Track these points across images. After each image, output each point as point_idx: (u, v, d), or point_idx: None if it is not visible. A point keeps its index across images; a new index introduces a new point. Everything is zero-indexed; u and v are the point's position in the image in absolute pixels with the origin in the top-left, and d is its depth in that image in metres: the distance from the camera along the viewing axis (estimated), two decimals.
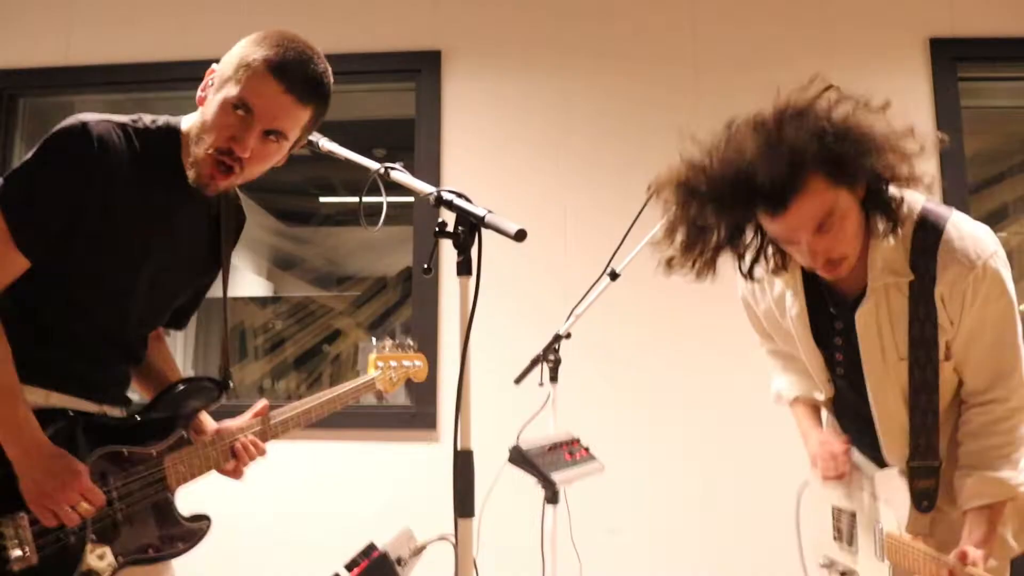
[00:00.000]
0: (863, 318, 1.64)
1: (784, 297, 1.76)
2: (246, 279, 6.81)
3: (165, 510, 1.68)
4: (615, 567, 3.22)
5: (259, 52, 1.55)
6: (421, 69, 3.65)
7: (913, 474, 1.66)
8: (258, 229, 7.13)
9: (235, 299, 6.13)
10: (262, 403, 1.86)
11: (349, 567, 2.37)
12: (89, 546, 1.51)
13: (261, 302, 6.38)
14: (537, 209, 3.50)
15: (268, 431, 1.84)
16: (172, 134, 1.63)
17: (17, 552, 1.40)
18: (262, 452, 1.81)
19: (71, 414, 1.54)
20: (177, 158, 1.62)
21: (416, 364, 2.29)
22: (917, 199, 1.62)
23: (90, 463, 1.52)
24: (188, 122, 1.64)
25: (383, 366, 2.20)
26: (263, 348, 5.97)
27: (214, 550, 3.28)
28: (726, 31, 3.56)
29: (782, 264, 1.66)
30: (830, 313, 1.71)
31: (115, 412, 1.68)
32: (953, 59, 3.44)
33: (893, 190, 1.53)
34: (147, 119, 1.63)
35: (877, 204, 1.53)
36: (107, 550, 1.54)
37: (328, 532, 3.32)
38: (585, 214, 3.47)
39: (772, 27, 3.56)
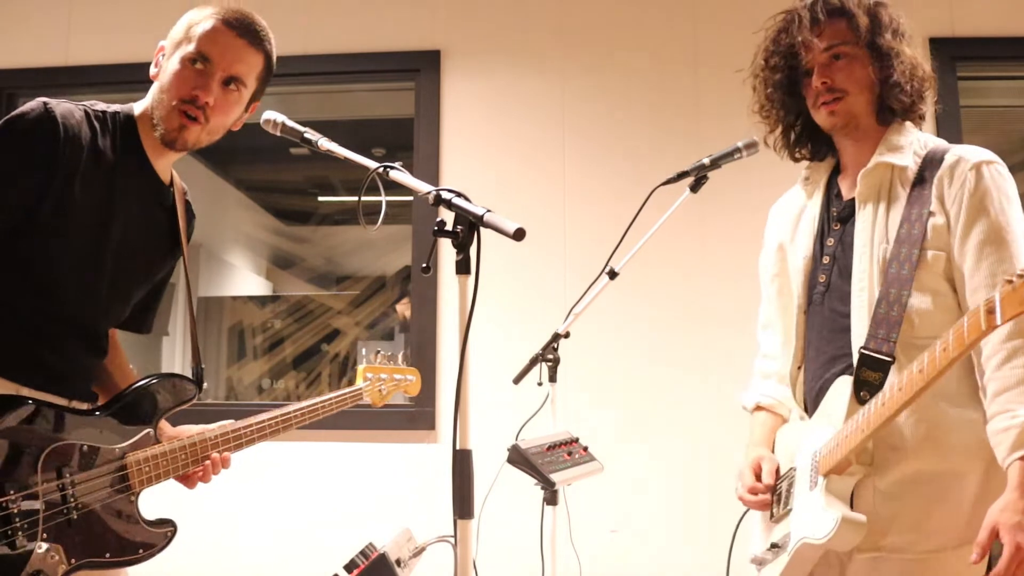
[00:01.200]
0: (866, 179, 1.69)
1: (804, 209, 1.85)
2: (245, 278, 6.81)
3: (126, 512, 1.59)
4: (615, 567, 3.22)
5: (205, 14, 1.67)
6: (420, 69, 3.65)
7: (862, 361, 1.58)
8: (257, 228, 7.13)
9: (234, 298, 6.13)
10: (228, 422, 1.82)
11: (348, 568, 2.37)
12: (40, 546, 1.45)
13: (260, 301, 6.37)
14: (536, 208, 3.50)
15: (244, 438, 1.78)
16: (128, 120, 1.68)
17: None
18: (227, 467, 1.76)
19: (29, 402, 1.49)
20: (135, 143, 1.67)
21: (408, 379, 2.24)
22: (932, 137, 1.73)
23: (44, 456, 1.48)
24: (141, 106, 1.70)
25: (372, 377, 2.14)
26: (262, 347, 5.97)
27: (214, 550, 3.30)
28: (726, 31, 3.56)
29: (815, 150, 1.87)
30: (832, 216, 1.78)
31: (82, 407, 1.64)
32: (952, 58, 3.45)
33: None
34: (101, 105, 1.67)
35: (888, 88, 1.70)
36: (59, 550, 1.47)
37: (327, 532, 3.32)
38: (584, 213, 3.47)
39: None
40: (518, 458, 2.09)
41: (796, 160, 1.89)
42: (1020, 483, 1.41)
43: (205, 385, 1.81)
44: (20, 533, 1.43)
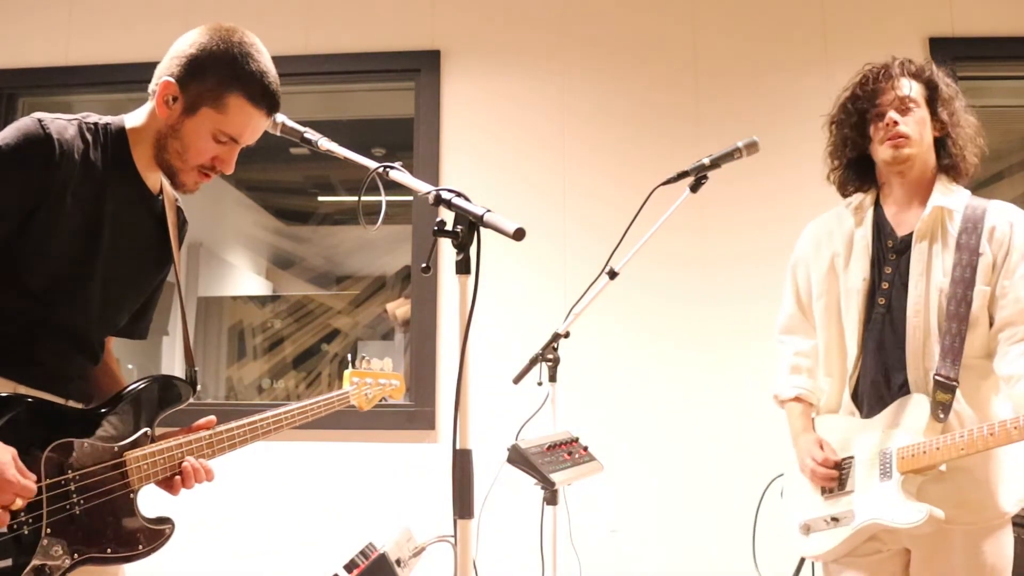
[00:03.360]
0: (923, 226, 1.96)
1: (853, 234, 2.08)
2: (245, 278, 6.81)
3: (126, 509, 1.62)
4: (615, 567, 3.22)
5: (237, 79, 1.62)
6: (420, 69, 3.65)
7: (937, 385, 1.87)
8: (257, 228, 7.13)
9: (234, 298, 6.13)
10: (209, 418, 1.82)
11: (348, 568, 2.38)
12: (43, 540, 1.47)
13: (260, 301, 6.37)
14: (536, 208, 3.50)
15: (237, 439, 1.80)
16: (119, 133, 1.68)
17: None
18: (209, 478, 1.74)
19: (29, 400, 1.52)
20: (125, 156, 1.68)
21: (393, 383, 2.29)
22: (968, 192, 2.02)
23: (47, 452, 1.50)
24: (135, 121, 1.69)
25: (358, 382, 2.20)
26: (262, 347, 5.97)
27: (214, 550, 3.30)
28: (726, 30, 3.57)
29: (863, 185, 2.12)
30: (887, 247, 2.02)
31: (79, 406, 1.66)
32: (952, 58, 3.45)
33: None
34: (93, 117, 1.67)
35: (944, 149, 2.01)
36: (62, 545, 1.49)
37: (327, 532, 3.33)
38: (584, 213, 3.48)
39: (772, 27, 3.56)
40: (518, 458, 2.09)
41: (845, 195, 2.15)
42: None
43: (199, 387, 1.83)
44: (25, 528, 1.45)
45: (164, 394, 1.73)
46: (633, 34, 3.60)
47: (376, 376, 2.25)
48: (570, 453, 2.23)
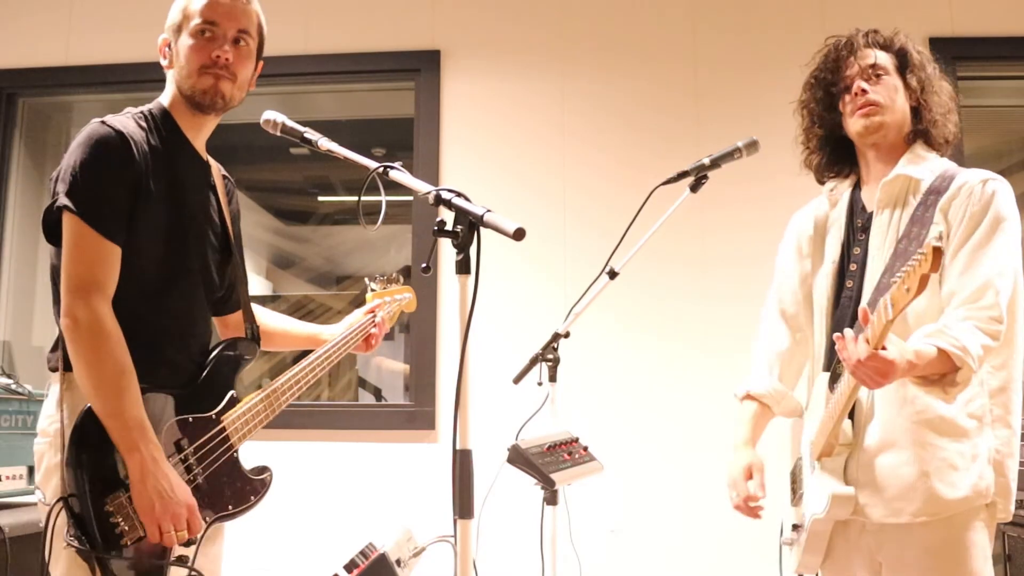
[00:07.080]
0: (885, 188, 1.81)
1: (828, 216, 1.97)
2: None
3: (234, 467, 1.75)
4: (615, 567, 3.22)
5: None
6: (420, 69, 3.65)
7: (833, 355, 1.72)
8: (257, 228, 7.13)
9: None
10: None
11: (348, 568, 2.38)
12: None
13: (260, 301, 6.36)
14: (536, 208, 3.50)
15: (303, 381, 1.91)
16: (163, 112, 1.77)
17: (125, 527, 1.52)
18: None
19: (155, 398, 1.62)
20: (176, 130, 1.76)
21: (406, 296, 2.31)
22: (947, 161, 1.86)
23: (163, 434, 1.60)
24: (167, 97, 1.78)
25: (379, 303, 2.23)
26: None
27: None
28: (726, 30, 3.57)
29: (841, 169, 1.98)
30: (857, 226, 1.89)
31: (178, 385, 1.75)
32: (952, 58, 3.45)
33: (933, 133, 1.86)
34: (136, 109, 1.75)
35: (918, 116, 1.86)
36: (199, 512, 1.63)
37: (327, 532, 3.32)
38: (584, 213, 3.48)
39: (771, 26, 3.56)
40: (518, 458, 2.09)
41: (822, 183, 2.02)
42: (918, 352, 1.59)
43: (260, 340, 1.95)
44: None
45: (236, 354, 1.84)
46: (633, 34, 3.60)
47: (392, 293, 2.26)
48: (570, 453, 2.23)
